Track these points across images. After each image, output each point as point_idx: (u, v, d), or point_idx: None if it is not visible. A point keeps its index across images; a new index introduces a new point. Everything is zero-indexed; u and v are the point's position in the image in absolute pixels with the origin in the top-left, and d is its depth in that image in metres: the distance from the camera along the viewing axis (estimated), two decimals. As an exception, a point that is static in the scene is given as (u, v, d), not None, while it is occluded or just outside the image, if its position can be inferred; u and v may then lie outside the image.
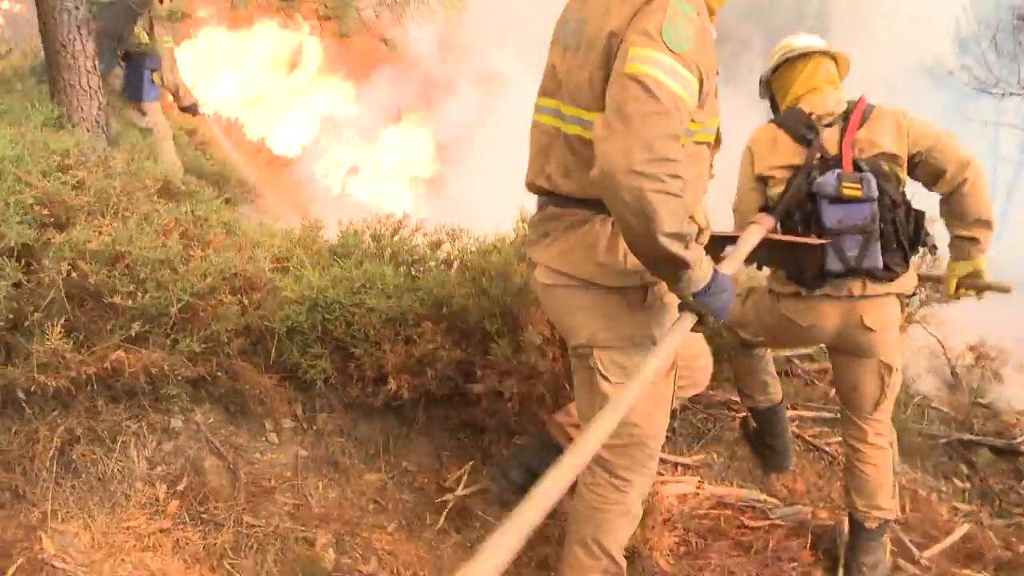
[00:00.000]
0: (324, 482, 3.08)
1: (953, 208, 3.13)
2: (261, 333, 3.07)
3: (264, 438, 3.09)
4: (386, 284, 3.03)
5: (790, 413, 4.35)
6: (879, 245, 3.01)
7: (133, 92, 5.14)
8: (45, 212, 2.80)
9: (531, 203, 2.46)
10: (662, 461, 3.66)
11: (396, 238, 3.36)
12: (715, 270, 2.16)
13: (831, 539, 3.55)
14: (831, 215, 2.99)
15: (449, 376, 3.10)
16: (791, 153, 3.15)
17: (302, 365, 3.07)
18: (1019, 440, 4.77)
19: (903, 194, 3.09)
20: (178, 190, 3.50)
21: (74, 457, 2.71)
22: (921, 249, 3.27)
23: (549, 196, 2.33)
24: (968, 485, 4.45)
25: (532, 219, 2.44)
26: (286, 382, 3.16)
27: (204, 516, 2.80)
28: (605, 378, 2.30)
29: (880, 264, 3.02)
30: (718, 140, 2.45)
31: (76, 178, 2.95)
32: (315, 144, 9.50)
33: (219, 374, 2.95)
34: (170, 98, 5.96)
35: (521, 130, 2.52)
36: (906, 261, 3.11)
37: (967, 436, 4.76)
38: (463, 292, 3.04)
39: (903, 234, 3.06)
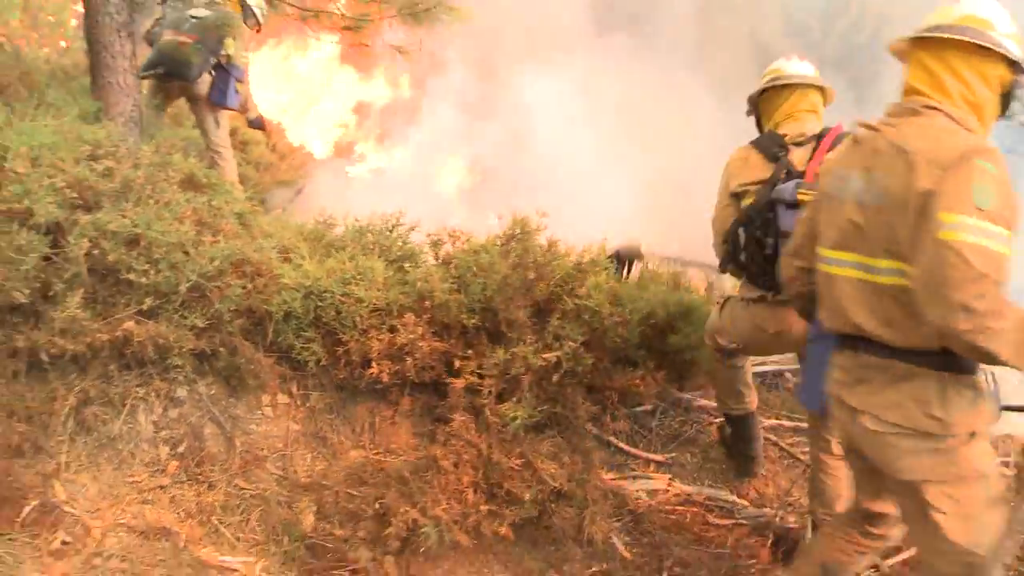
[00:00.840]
0: (312, 455, 3.36)
1: None
2: (261, 315, 3.36)
3: (260, 411, 3.38)
4: (375, 277, 3.29)
5: (771, 422, 4.55)
6: None
7: (219, 96, 5.54)
8: (74, 195, 3.12)
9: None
10: (635, 457, 3.88)
11: (393, 234, 3.62)
12: None
13: (793, 542, 3.72)
14: (787, 220, 3.18)
15: (431, 365, 3.36)
16: (761, 169, 3.37)
17: (296, 347, 3.35)
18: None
19: None
20: (201, 182, 3.81)
21: (87, 416, 3.02)
22: None
23: (862, 342, 2.44)
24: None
25: (838, 360, 2.55)
26: (282, 361, 3.44)
27: (200, 477, 3.09)
28: (938, 510, 2.42)
29: None
30: None
31: (104, 166, 3.27)
32: (348, 146, 9.90)
33: (221, 349, 3.24)
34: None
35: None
36: None
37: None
38: (445, 288, 3.29)
39: None
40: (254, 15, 5.72)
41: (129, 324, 2.96)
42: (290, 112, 10.01)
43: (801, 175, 3.27)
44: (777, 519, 3.82)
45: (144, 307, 3.02)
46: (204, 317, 3.12)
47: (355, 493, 3.15)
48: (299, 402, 3.46)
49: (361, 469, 3.26)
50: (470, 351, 3.35)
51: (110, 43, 4.08)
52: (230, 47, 5.46)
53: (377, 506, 3.04)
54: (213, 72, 5.50)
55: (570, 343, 3.12)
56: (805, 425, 4.58)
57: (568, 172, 9.27)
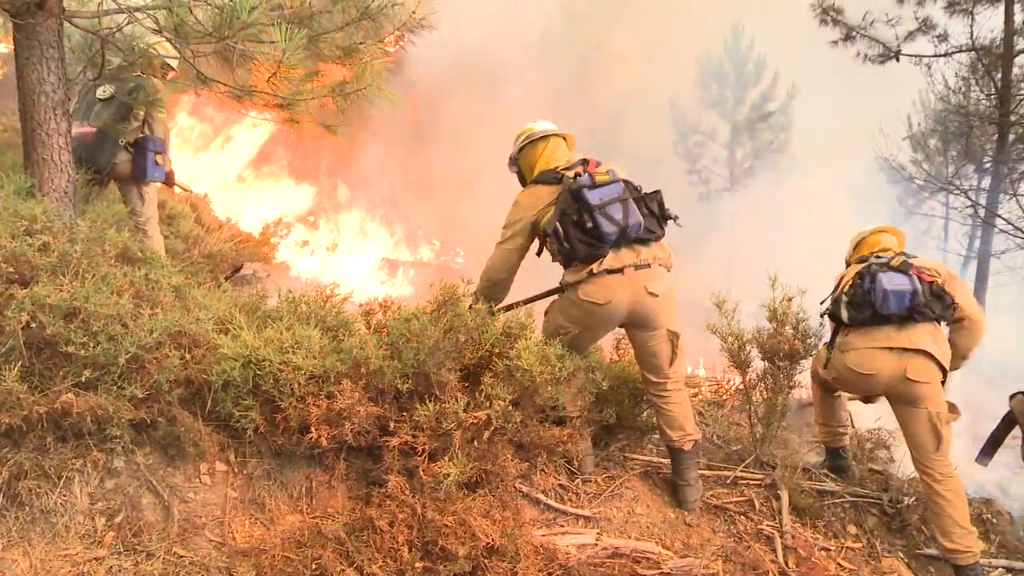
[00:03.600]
0: (250, 520, 3.41)
1: None
2: (200, 385, 3.44)
3: (198, 479, 3.43)
4: (312, 345, 3.42)
5: (717, 472, 4.82)
6: (636, 208, 4.05)
7: (139, 173, 5.64)
8: (11, 270, 3.19)
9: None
10: (563, 514, 4.03)
11: (327, 305, 3.76)
12: None
13: (717, 589, 3.90)
14: (593, 197, 4.03)
15: (367, 429, 3.48)
16: (552, 192, 4.22)
17: (235, 415, 3.43)
18: (906, 502, 5.14)
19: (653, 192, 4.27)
20: (136, 256, 3.90)
21: (20, 490, 3.03)
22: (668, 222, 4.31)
23: None
24: (860, 544, 4.80)
25: None
26: (220, 430, 3.52)
27: (137, 547, 3.12)
28: None
29: (642, 221, 4.08)
30: None
31: (41, 241, 3.34)
32: (277, 224, 10.02)
33: (160, 419, 3.31)
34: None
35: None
36: (660, 227, 4.22)
37: (858, 490, 5.15)
38: (380, 354, 3.43)
39: (653, 208, 4.20)
40: (167, 64, 5.78)
41: (67, 396, 3.01)
42: (219, 186, 10.10)
43: (581, 174, 4.17)
44: (701, 568, 4.00)
45: (82, 379, 3.08)
46: (143, 388, 3.18)
47: (292, 556, 3.22)
48: (237, 469, 3.52)
49: (299, 532, 3.33)
50: (404, 413, 3.49)
51: (45, 120, 4.17)
52: (139, 118, 5.58)
53: (314, 567, 3.11)
54: (131, 148, 5.61)
55: (499, 401, 3.28)
56: (726, 474, 4.83)
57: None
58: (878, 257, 4.72)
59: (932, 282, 4.54)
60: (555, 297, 4.38)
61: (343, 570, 3.05)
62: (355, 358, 3.43)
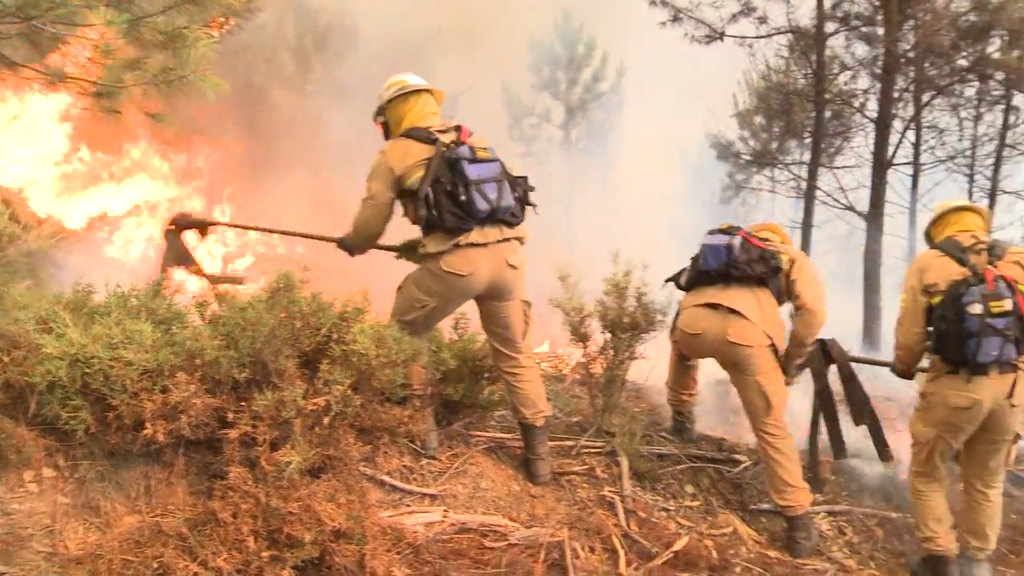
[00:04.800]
0: (84, 526, 3.30)
1: None
2: (21, 388, 3.29)
3: (23, 488, 3.29)
4: (143, 340, 3.33)
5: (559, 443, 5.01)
6: (510, 190, 4.14)
7: None
8: None
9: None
10: (409, 493, 4.10)
11: (158, 298, 3.67)
12: None
13: (560, 552, 4.07)
14: (472, 171, 4.05)
15: (205, 422, 3.42)
16: (423, 152, 4.16)
17: (63, 417, 3.30)
18: (743, 465, 5.52)
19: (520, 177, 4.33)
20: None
21: None
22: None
23: None
24: (697, 502, 5.10)
25: None
26: (47, 434, 3.38)
27: (-47, 567, 2.96)
28: None
29: (513, 203, 4.18)
30: None
31: None
32: (102, 217, 9.55)
33: (-27, 428, 3.15)
34: None
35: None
36: (523, 212, 4.31)
37: (695, 452, 5.48)
38: (215, 345, 3.39)
39: (519, 188, 4.28)
40: None
41: None
42: (37, 180, 9.50)
43: (460, 143, 4.19)
44: (546, 537, 4.16)
45: None
46: (-48, 395, 3.02)
47: (132, 558, 3.13)
48: (67, 474, 3.40)
49: (137, 533, 3.24)
50: (243, 404, 3.45)
51: None
52: None
53: (156, 566, 3.05)
54: None
55: (338, 387, 3.31)
56: (568, 443, 5.03)
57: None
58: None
59: (762, 248, 4.77)
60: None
61: (186, 566, 3.01)
62: (189, 350, 3.37)
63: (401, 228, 4.44)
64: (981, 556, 4.67)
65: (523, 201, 4.32)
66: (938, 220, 4.77)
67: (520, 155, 28.15)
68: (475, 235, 4.11)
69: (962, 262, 4.33)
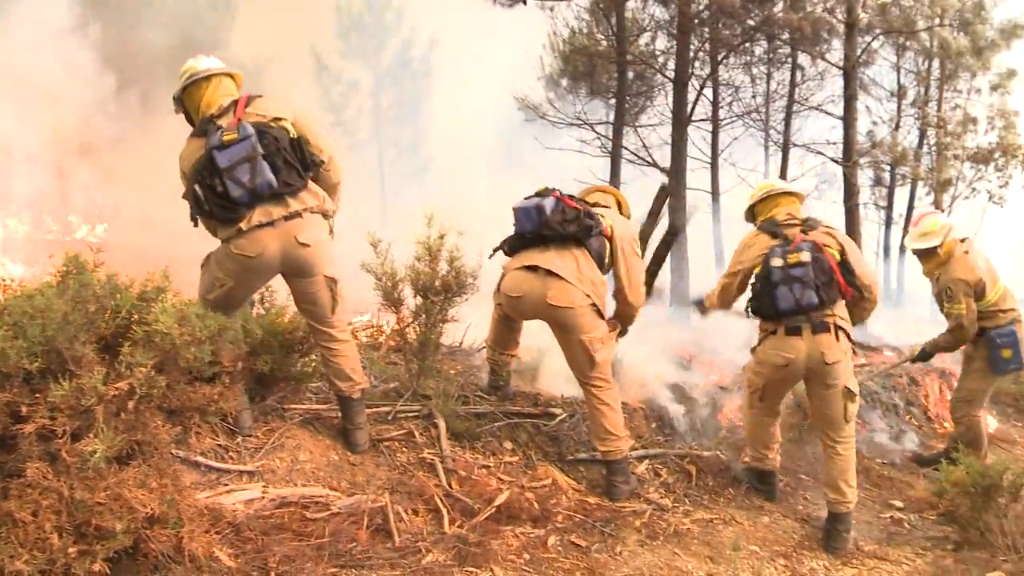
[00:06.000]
0: None
1: (318, 178, 4.38)
2: None
3: None
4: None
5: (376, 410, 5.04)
6: (267, 166, 4.02)
7: None
8: None
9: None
10: (226, 472, 4.03)
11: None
12: None
13: (384, 516, 4.13)
14: (222, 159, 3.97)
15: (-7, 420, 3.20)
16: (200, 145, 4.07)
17: None
18: (559, 418, 5.76)
19: (297, 138, 4.24)
20: None
21: None
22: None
23: None
24: (516, 457, 5.28)
25: None
26: None
27: None
28: None
29: (272, 179, 4.04)
30: None
31: None
32: None
33: None
34: None
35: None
36: (301, 178, 4.21)
37: (512, 408, 5.66)
38: (1, 335, 3.16)
39: (291, 159, 4.16)
40: None
41: None
42: None
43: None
44: (368, 503, 4.20)
45: None
46: None
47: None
48: None
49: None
50: (37, 396, 3.25)
51: None
52: None
53: (-55, 578, 2.86)
54: None
55: (141, 369, 3.19)
56: (384, 409, 5.07)
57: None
58: None
59: (578, 209, 4.90)
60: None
61: (-21, 574, 2.83)
62: (-30, 343, 3.13)
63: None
64: (841, 509, 5.16)
65: (299, 165, 4.21)
66: (761, 202, 5.38)
67: (330, 124, 27.63)
68: (259, 214, 4.07)
69: (775, 234, 5.06)
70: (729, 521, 5.25)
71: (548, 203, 4.86)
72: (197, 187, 4.03)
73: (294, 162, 4.18)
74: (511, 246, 5.10)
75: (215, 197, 4.02)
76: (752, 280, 5.17)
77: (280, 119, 4.20)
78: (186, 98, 4.26)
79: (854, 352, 5.19)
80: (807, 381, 5.20)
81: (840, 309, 5.02)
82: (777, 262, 4.89)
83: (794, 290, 4.82)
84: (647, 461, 5.74)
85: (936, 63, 20.59)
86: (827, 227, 5.15)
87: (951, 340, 6.68)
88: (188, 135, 4.23)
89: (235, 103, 4.18)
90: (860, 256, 5.23)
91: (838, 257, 4.97)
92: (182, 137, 4.26)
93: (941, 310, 6.58)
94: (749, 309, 5.25)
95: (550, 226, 4.82)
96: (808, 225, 5.08)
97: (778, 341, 5.07)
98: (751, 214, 5.46)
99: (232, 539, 3.65)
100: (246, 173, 4.00)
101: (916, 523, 5.74)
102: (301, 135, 4.28)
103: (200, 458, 3.98)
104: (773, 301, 4.91)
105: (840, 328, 4.97)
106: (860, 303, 5.16)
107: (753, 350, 5.38)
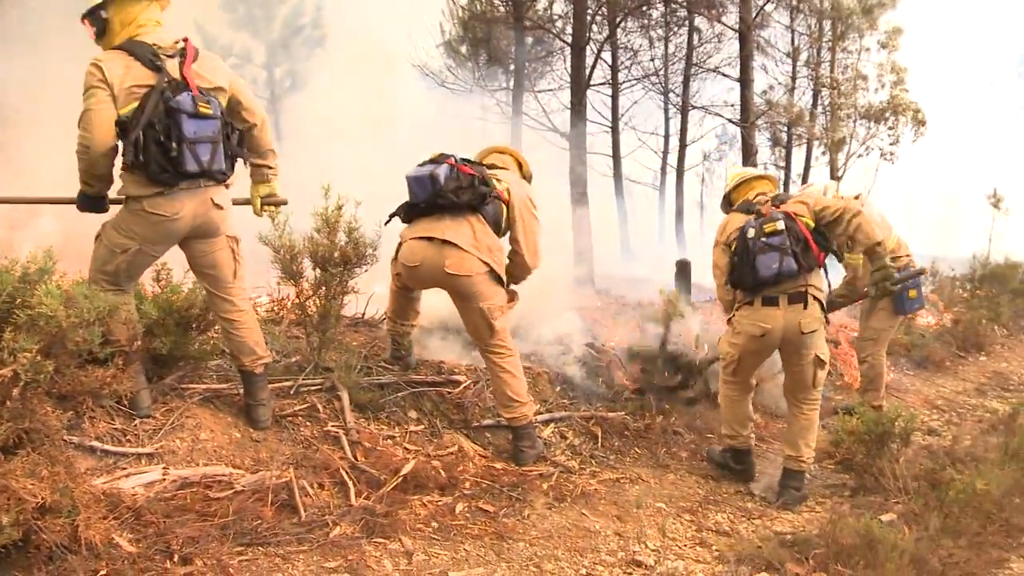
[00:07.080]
0: None
1: (250, 144, 4.33)
2: None
3: None
4: None
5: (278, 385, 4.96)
6: (223, 151, 4.02)
7: None
8: None
9: None
10: (123, 456, 3.91)
11: None
12: None
13: (289, 492, 4.09)
14: (189, 127, 3.80)
15: None
16: (144, 77, 3.78)
17: None
18: (463, 385, 5.77)
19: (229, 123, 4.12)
20: None
21: None
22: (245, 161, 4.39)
23: None
24: (422, 426, 5.29)
25: None
26: None
27: None
28: None
29: (224, 164, 4.03)
30: None
31: None
32: None
33: None
34: None
35: None
36: (232, 167, 4.18)
37: (415, 378, 5.64)
38: None
39: (234, 150, 4.13)
40: None
41: None
42: None
43: (184, 84, 3.87)
44: (272, 479, 4.15)
45: None
46: None
47: None
48: None
49: None
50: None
51: None
52: None
53: None
54: None
55: (25, 354, 3.06)
56: (286, 384, 5.01)
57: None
58: None
59: (472, 175, 4.86)
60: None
61: None
62: None
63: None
64: (794, 466, 5.37)
65: (233, 157, 4.18)
66: (736, 187, 5.61)
67: (223, 99, 26.61)
68: (185, 184, 3.94)
69: (748, 211, 5.25)
70: (635, 480, 5.41)
71: (442, 171, 4.79)
72: (142, 134, 3.72)
73: (232, 152, 4.15)
74: (407, 214, 5.06)
75: (163, 158, 3.78)
76: (731, 254, 5.22)
77: (221, 88, 4.07)
78: (117, 6, 3.88)
79: (826, 321, 5.34)
80: (781, 350, 5.36)
81: (815, 278, 5.16)
82: (752, 232, 5.01)
83: (773, 258, 4.93)
84: (553, 424, 5.84)
85: (828, 24, 21.22)
86: (799, 198, 5.29)
87: (847, 293, 6.98)
88: (107, 50, 3.86)
89: (183, 53, 3.94)
90: (828, 201, 5.36)
91: (811, 224, 5.10)
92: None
93: (839, 260, 6.87)
94: (728, 282, 5.32)
95: (444, 195, 4.78)
96: (779, 199, 5.25)
97: (755, 311, 5.17)
98: (727, 203, 5.65)
99: (132, 524, 3.55)
100: (207, 153, 3.92)
101: (816, 472, 6.00)
102: (234, 98, 4.15)
103: (96, 443, 3.85)
104: (753, 271, 4.99)
105: (815, 298, 5.13)
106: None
107: (728, 321, 5.50)
